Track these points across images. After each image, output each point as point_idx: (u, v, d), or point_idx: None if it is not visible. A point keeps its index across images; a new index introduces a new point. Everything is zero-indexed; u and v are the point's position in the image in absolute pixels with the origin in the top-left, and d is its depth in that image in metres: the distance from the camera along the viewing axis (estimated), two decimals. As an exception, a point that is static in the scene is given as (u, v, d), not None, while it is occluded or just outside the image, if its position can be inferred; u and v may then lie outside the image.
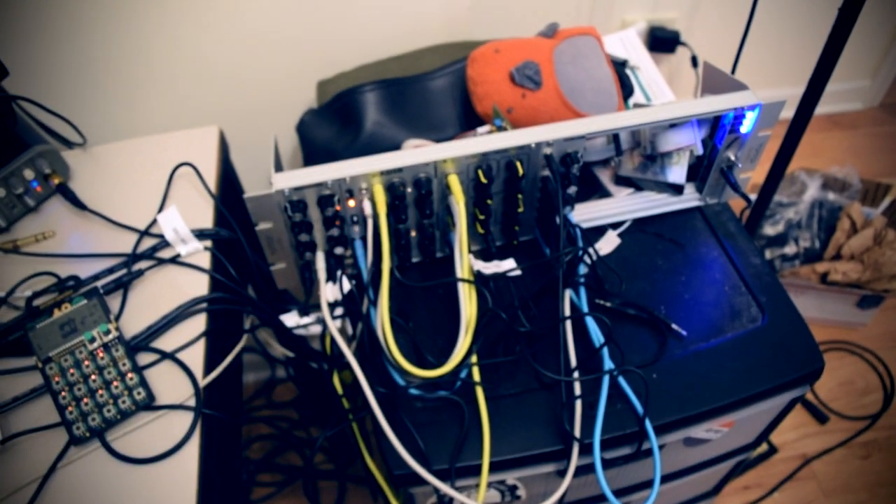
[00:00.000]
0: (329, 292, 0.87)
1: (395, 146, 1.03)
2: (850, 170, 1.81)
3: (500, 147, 0.84)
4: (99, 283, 0.85)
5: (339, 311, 0.88)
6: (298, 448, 1.60)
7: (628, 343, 0.86)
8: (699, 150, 0.96)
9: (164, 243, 0.90)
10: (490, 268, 0.90)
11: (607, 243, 0.97)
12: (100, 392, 0.76)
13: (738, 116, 0.90)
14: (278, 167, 0.84)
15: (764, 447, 1.62)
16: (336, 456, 1.59)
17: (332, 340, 0.84)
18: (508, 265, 0.91)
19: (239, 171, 1.16)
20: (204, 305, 0.85)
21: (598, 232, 0.99)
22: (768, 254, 1.74)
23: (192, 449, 0.74)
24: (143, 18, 1.12)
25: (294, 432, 1.60)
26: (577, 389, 0.81)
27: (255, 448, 1.60)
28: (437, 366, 0.79)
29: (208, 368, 0.81)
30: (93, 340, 0.78)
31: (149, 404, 0.77)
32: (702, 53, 1.70)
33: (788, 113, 1.07)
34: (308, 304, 0.91)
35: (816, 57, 1.04)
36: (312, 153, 1.11)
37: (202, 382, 0.79)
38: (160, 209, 0.94)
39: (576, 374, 0.82)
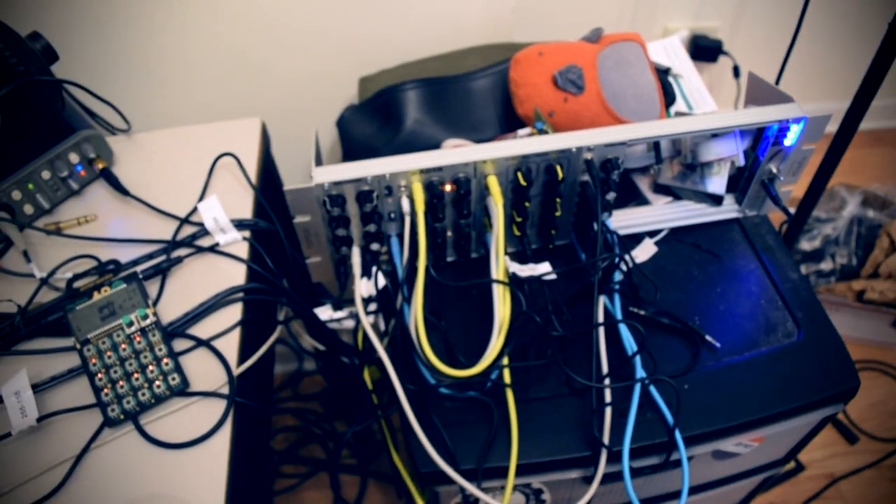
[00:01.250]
0: (363, 287, 0.87)
1: (435, 145, 1.03)
2: (891, 188, 1.78)
3: (541, 150, 0.84)
4: (138, 269, 0.85)
5: (372, 306, 0.88)
6: (322, 441, 1.60)
7: (661, 352, 0.86)
8: (741, 162, 0.95)
9: (204, 232, 0.91)
10: (525, 270, 0.90)
11: (644, 251, 0.96)
12: (135, 375, 0.77)
13: (783, 129, 0.89)
14: (318, 161, 0.84)
15: (791, 464, 1.60)
16: (360, 451, 1.60)
17: (365, 335, 0.84)
18: (544, 268, 0.90)
19: (279, 164, 1.16)
20: (240, 295, 0.85)
21: (634, 239, 0.98)
22: (804, 269, 1.71)
23: (224, 436, 0.74)
24: (191, 11, 1.14)
25: (320, 425, 1.61)
26: (608, 397, 0.80)
27: (279, 439, 1.61)
28: (468, 366, 0.79)
29: (242, 357, 0.81)
30: (130, 324, 0.79)
31: (183, 390, 0.77)
32: (743, 64, 1.68)
33: (832, 127, 1.05)
34: (342, 299, 0.91)
35: (862, 71, 1.02)
36: (352, 149, 1.12)
37: (236, 371, 0.79)
38: (201, 198, 0.95)
39: (607, 381, 0.82)
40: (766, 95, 0.91)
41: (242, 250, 0.90)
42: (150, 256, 0.89)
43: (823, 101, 2.07)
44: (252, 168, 0.98)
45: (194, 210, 0.93)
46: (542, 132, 0.96)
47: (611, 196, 0.91)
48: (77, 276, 0.84)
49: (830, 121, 0.88)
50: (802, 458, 1.62)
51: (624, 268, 0.90)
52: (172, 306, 0.84)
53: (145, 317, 0.80)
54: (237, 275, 0.87)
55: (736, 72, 1.70)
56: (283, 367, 1.65)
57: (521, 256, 0.95)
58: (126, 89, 1.17)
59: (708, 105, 1.11)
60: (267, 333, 0.89)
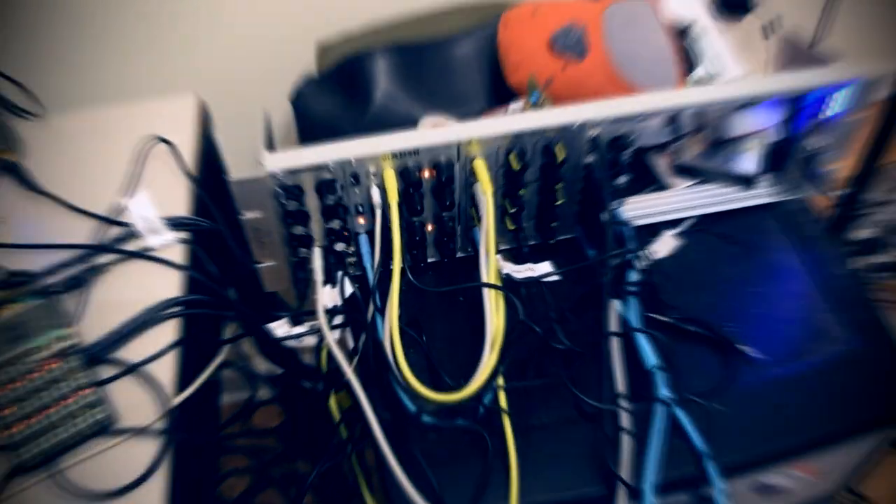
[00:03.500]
0: (327, 297, 0.87)
1: (411, 123, 1.02)
2: (957, 165, 1.79)
3: (537, 127, 0.83)
4: (54, 280, 0.84)
5: (338, 319, 0.87)
6: (281, 485, 1.59)
7: (688, 366, 0.85)
8: (775, 136, 0.95)
9: (132, 233, 0.90)
10: (522, 271, 0.90)
11: (663, 245, 0.96)
12: (51, 410, 0.75)
13: (825, 96, 0.89)
14: (269, 145, 0.84)
15: (852, 499, 1.60)
16: (327, 496, 1.58)
17: (330, 355, 0.84)
18: (543, 269, 0.90)
19: (222, 149, 1.15)
20: (177, 309, 0.84)
21: (651, 231, 0.98)
22: (855, 263, 1.72)
23: (160, 482, 0.73)
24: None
25: (278, 465, 1.59)
26: (625, 421, 0.80)
27: (228, 484, 1.59)
28: (455, 388, 0.78)
29: (181, 385, 0.81)
30: (44, 348, 0.78)
31: (109, 426, 0.76)
32: (777, 20, 1.68)
33: (883, 94, 1.05)
34: (301, 311, 0.91)
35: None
36: (311, 130, 1.12)
37: (173, 402, 0.78)
38: (128, 193, 0.94)
39: (623, 403, 0.81)
40: (803, 58, 0.92)
41: (179, 255, 0.90)
42: (67, 265, 0.88)
43: (871, 63, 2.08)
44: (189, 155, 0.98)
45: (120, 208, 0.92)
46: (537, 105, 0.96)
47: (622, 180, 0.91)
48: (-23, 292, 0.83)
49: (883, 85, 0.88)
50: (868, 492, 1.61)
51: (640, 266, 0.90)
52: (96, 325, 0.83)
53: (63, 338, 0.79)
54: (173, 285, 0.87)
55: (768, 30, 1.70)
56: (232, 395, 1.63)
57: (516, 255, 0.95)
58: (38, 65, 1.17)
59: (736, 69, 1.11)
60: (211, 355, 0.88)
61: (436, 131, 0.83)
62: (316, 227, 0.87)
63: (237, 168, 1.08)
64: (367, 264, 0.87)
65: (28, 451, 0.74)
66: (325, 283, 0.88)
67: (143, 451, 0.75)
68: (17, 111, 1.02)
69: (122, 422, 0.77)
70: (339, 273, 0.89)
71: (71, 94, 1.15)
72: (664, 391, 0.82)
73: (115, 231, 0.91)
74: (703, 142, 0.98)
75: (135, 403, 0.78)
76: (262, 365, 1.10)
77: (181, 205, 0.94)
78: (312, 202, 0.84)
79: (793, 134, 0.95)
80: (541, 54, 0.99)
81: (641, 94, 0.87)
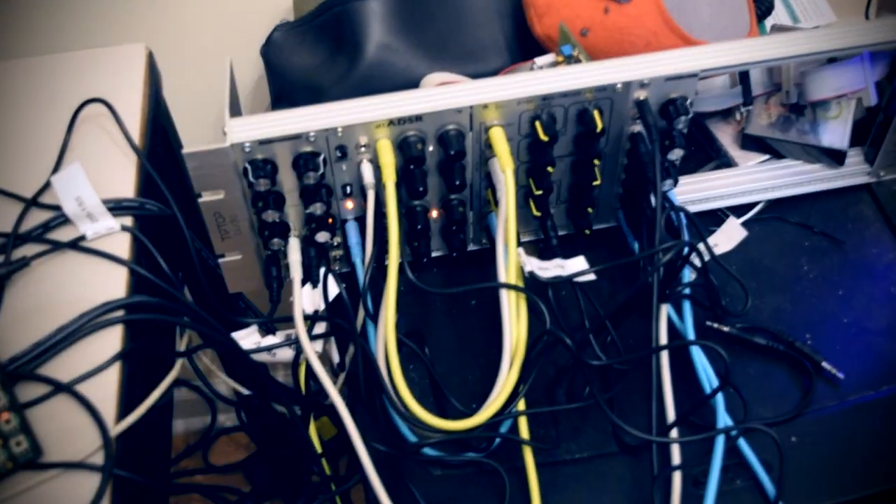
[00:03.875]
0: (307, 299, 0.87)
1: (412, 83, 1.02)
2: None
3: (570, 88, 0.83)
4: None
5: (320, 327, 0.87)
6: (250, 534, 1.59)
7: (755, 388, 0.86)
8: (872, 100, 0.94)
9: (62, 219, 0.89)
10: (549, 269, 0.89)
11: (727, 237, 0.96)
12: (-40, 440, 0.75)
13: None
14: (235, 110, 0.83)
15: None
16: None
17: (310, 372, 0.83)
18: (576, 266, 0.90)
19: (176, 115, 1.13)
20: (119, 314, 0.83)
21: (713, 219, 0.98)
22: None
23: (96, 529, 0.73)
24: None
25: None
26: (676, 456, 0.80)
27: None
28: (465, 414, 0.78)
29: (124, 409, 0.80)
30: (-49, 363, 0.77)
31: (33, 460, 0.75)
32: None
33: None
34: (274, 317, 0.91)
35: None
36: (286, 89, 1.11)
37: (115, 430, 0.77)
38: (56, 167, 0.93)
39: (674, 433, 0.81)
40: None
41: (122, 247, 0.89)
42: (-22, 259, 0.87)
43: None
44: (135, 122, 0.97)
45: (46, 186, 0.91)
46: (570, 60, 0.95)
47: (676, 155, 0.90)
48: None
49: None
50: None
51: (698, 262, 0.89)
52: (16, 334, 0.82)
53: (-26, 350, 0.78)
54: (114, 284, 0.86)
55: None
56: (189, 422, 1.64)
57: (542, 248, 0.95)
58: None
59: (822, 15, 1.11)
60: (162, 372, 0.87)
61: (443, 92, 0.82)
62: (293, 212, 0.87)
63: (195, 138, 1.04)
64: (357, 259, 0.87)
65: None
66: (305, 282, 0.88)
67: (76, 491, 0.74)
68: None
69: (49, 454, 0.76)
70: (322, 270, 0.88)
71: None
72: (725, 418, 0.82)
73: (40, 216, 0.90)
74: (780, 107, 0.98)
75: (66, 432, 0.77)
76: (225, 384, 1.08)
77: (125, 184, 0.93)
78: (288, 181, 0.84)
79: (894, 96, 0.94)
80: (576, -5, 0.98)
81: (701, 45, 0.87)
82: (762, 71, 0.97)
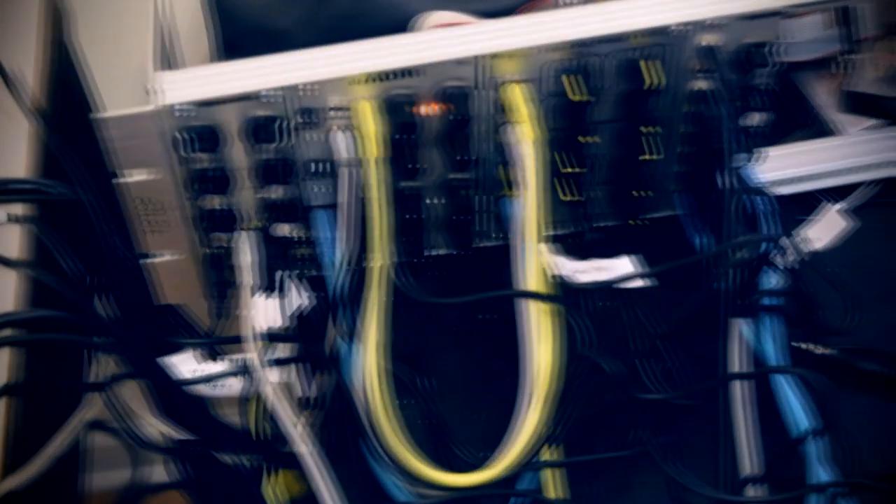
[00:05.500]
0: (262, 313, 0.79)
1: (402, 24, 0.96)
2: None
3: (611, 31, 0.75)
4: None
5: (281, 350, 0.79)
6: None
7: (861, 428, 0.76)
8: None
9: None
10: (586, 272, 0.81)
11: (824, 229, 0.89)
12: None
13: None
14: (166, 62, 0.80)
15: None
16: None
17: (266, 410, 0.77)
18: (621, 268, 0.82)
19: (90, 70, 1.11)
20: (9, 333, 0.76)
21: (804, 204, 0.91)
22: None
23: None
24: None
25: None
26: (758, 521, 0.73)
27: None
28: (473, 465, 0.72)
29: (13, 461, 0.73)
30: None
31: None
32: None
33: None
34: (220, 337, 0.85)
35: None
36: (236, 32, 1.08)
37: (1, 488, 0.71)
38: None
39: (754, 490, 0.72)
40: None
41: (11, 243, 0.82)
42: None
43: None
44: (29, 76, 0.92)
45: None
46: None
47: (755, 119, 0.83)
48: None
49: None
50: None
51: (785, 263, 0.80)
52: None
53: None
54: (3, 292, 0.80)
55: None
56: (106, 476, 1.57)
57: (576, 244, 0.85)
58: None
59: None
60: (69, 410, 0.81)
61: (442, 37, 0.76)
62: (245, 197, 0.79)
63: (113, 100, 1.03)
64: (329, 259, 0.79)
65: None
66: (261, 289, 0.80)
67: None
68: None
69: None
70: (283, 273, 0.81)
71: None
72: (821, 472, 0.72)
73: None
74: (894, 56, 0.89)
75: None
76: (155, 426, 1.00)
77: (16, 160, 0.86)
78: (238, 156, 0.76)
79: None
80: None
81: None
82: (869, 6, 0.90)
